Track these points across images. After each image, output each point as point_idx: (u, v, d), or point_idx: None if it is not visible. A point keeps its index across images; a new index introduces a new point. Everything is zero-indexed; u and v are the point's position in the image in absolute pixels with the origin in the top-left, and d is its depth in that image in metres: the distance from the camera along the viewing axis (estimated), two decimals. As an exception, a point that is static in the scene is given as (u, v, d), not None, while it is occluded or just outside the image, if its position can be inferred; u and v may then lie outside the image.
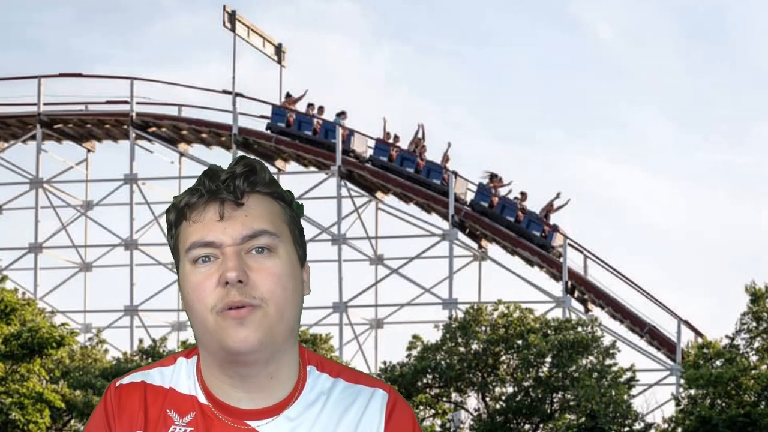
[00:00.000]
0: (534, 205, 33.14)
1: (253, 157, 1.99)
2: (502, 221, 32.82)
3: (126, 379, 2.01)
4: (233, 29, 33.84)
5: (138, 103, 35.26)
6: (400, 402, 2.01)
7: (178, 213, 1.94)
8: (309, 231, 33.35)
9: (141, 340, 32.25)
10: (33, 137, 35.93)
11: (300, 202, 2.00)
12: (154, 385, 1.99)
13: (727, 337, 26.38)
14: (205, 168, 1.97)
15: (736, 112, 60.82)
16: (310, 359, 2.02)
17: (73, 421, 27.29)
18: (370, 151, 34.29)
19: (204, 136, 35.89)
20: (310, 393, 1.97)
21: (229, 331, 1.86)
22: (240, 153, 32.03)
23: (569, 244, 32.31)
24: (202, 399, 1.96)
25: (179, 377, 2.00)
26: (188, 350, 2.04)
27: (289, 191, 1.97)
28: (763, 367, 25.59)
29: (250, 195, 1.92)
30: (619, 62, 62.19)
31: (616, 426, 25.63)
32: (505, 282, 43.18)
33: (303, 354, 2.01)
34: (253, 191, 1.92)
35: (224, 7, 33.81)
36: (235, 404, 1.94)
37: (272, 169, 36.03)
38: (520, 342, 26.61)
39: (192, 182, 1.99)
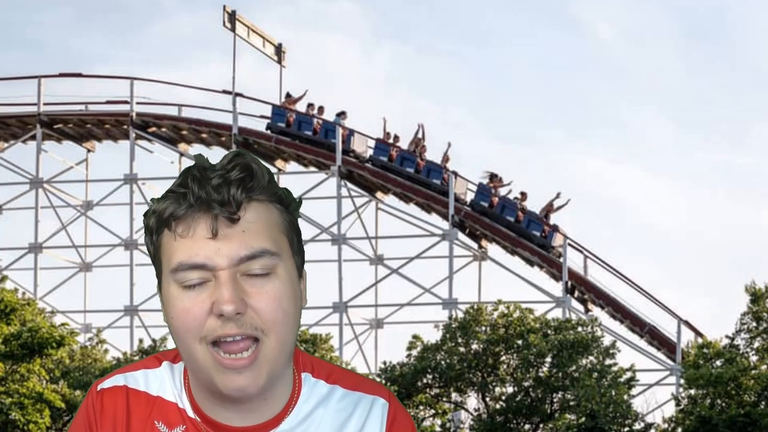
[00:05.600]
0: (534, 205, 33.17)
1: (248, 155, 1.76)
2: (502, 221, 32.82)
3: (107, 383, 1.87)
4: (233, 29, 33.83)
5: (138, 103, 35.28)
6: (401, 413, 1.89)
7: (161, 221, 1.71)
8: (309, 231, 33.38)
9: (141, 340, 32.24)
10: (33, 137, 35.93)
11: (297, 198, 1.79)
12: (138, 390, 1.85)
13: (727, 337, 26.39)
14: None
15: (736, 112, 60.89)
16: (305, 364, 1.88)
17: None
18: (370, 151, 34.29)
19: (204, 136, 35.89)
20: (306, 404, 1.84)
21: (223, 377, 1.70)
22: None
23: (569, 244, 32.31)
24: (191, 413, 1.82)
25: (165, 384, 1.86)
26: (174, 352, 1.87)
27: (286, 189, 1.78)
28: (763, 367, 25.59)
29: (248, 205, 1.70)
30: (619, 62, 62.27)
31: (616, 426, 25.62)
32: (505, 282, 43.21)
33: (297, 359, 1.87)
34: (250, 200, 1.71)
35: (224, 7, 33.81)
36: (225, 422, 1.80)
37: (272, 169, 36.08)
38: (520, 342, 26.61)
39: None
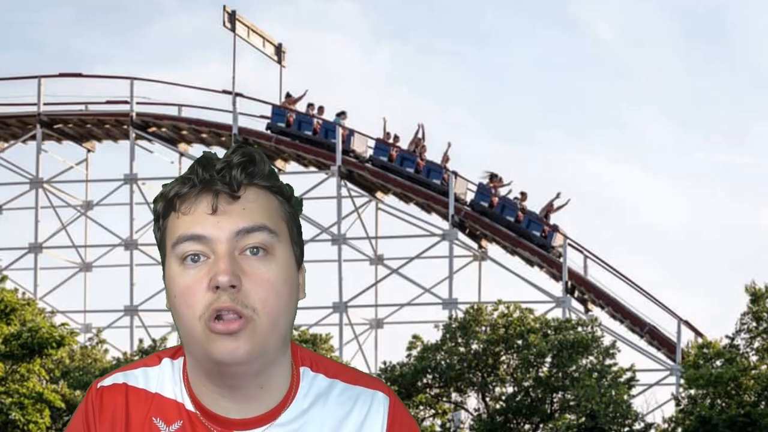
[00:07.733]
0: (534, 205, 33.17)
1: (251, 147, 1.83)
2: (502, 221, 32.82)
3: (107, 381, 1.89)
4: (233, 29, 33.84)
5: (138, 103, 35.28)
6: (401, 408, 1.92)
7: (167, 203, 1.79)
8: (309, 231, 33.39)
9: (141, 340, 32.25)
10: (33, 137, 35.93)
11: (299, 197, 1.86)
12: (137, 388, 1.88)
13: (727, 337, 26.40)
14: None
15: (736, 112, 60.86)
16: (303, 359, 1.90)
17: (73, 421, 27.26)
18: (370, 151, 34.29)
19: (204, 136, 35.89)
20: (305, 397, 1.86)
21: (216, 342, 1.73)
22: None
23: (569, 244, 32.31)
24: (189, 406, 1.85)
25: (164, 381, 1.88)
26: (174, 349, 1.92)
27: (288, 185, 1.84)
28: (763, 367, 25.59)
29: (248, 188, 1.78)
30: (619, 62, 62.24)
31: (616, 426, 25.63)
32: (505, 282, 43.16)
33: (296, 354, 1.89)
34: (250, 184, 1.78)
35: (224, 7, 33.82)
36: (223, 413, 1.83)
37: (272, 169, 36.13)
38: (520, 342, 26.62)
39: None
